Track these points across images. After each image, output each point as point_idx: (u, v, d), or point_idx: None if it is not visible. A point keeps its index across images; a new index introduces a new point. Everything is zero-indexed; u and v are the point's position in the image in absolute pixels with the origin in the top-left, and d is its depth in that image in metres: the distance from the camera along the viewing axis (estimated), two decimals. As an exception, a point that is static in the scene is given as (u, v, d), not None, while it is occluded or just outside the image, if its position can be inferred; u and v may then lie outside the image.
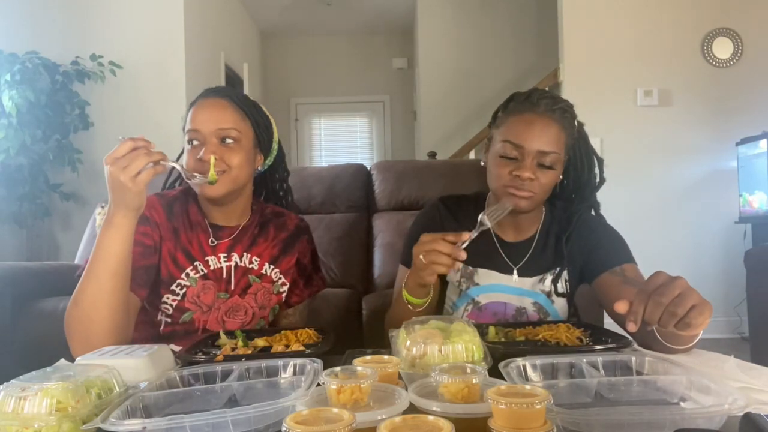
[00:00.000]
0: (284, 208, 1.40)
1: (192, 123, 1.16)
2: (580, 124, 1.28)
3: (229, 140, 1.16)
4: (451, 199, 1.38)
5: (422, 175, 2.72)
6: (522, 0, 5.56)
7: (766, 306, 2.46)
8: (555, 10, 4.03)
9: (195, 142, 1.16)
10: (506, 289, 1.26)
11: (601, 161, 1.32)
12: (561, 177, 1.26)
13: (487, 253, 1.28)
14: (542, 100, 1.19)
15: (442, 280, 1.32)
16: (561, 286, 1.26)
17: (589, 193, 1.31)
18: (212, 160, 1.12)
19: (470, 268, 1.28)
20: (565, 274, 1.27)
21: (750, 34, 3.83)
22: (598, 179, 1.32)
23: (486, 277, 1.27)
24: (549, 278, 1.27)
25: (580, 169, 1.29)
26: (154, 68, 3.95)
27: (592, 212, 1.33)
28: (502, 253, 1.29)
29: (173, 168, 1.09)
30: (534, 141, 1.16)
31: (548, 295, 1.26)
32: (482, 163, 1.29)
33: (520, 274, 1.27)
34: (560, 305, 1.28)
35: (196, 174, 1.11)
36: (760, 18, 3.84)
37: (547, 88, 4.12)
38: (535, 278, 1.27)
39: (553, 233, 1.30)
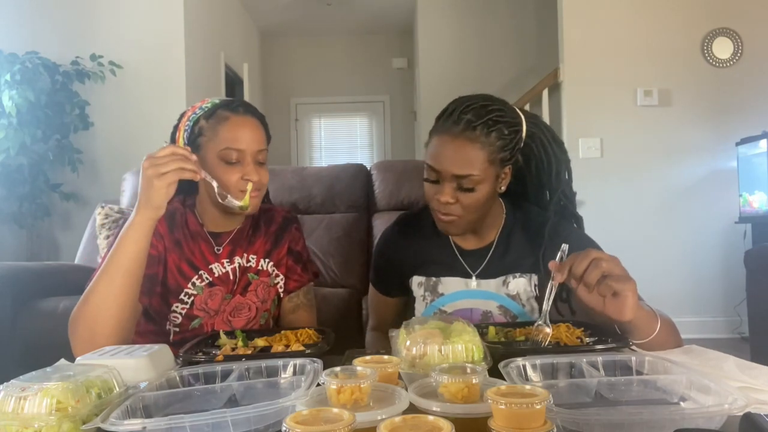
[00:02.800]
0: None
1: (235, 142, 1.16)
2: (540, 126, 1.21)
3: (261, 160, 1.20)
4: (408, 219, 1.38)
5: (422, 175, 2.72)
6: (522, 0, 5.56)
7: (766, 306, 2.46)
8: (555, 10, 4.03)
9: (235, 161, 1.17)
10: (470, 294, 1.25)
11: (567, 160, 1.24)
12: (511, 181, 1.21)
13: (449, 263, 1.28)
14: (465, 116, 1.11)
15: (409, 295, 1.33)
16: (531, 290, 1.24)
17: (555, 192, 1.23)
18: (249, 186, 1.16)
19: (433, 279, 1.28)
20: (535, 279, 1.24)
21: (750, 34, 3.82)
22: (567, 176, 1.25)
23: (450, 285, 1.27)
24: (513, 281, 1.24)
25: (541, 169, 1.23)
26: (154, 68, 3.95)
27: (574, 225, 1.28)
28: (462, 260, 1.27)
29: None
30: (448, 164, 1.11)
31: (514, 298, 1.24)
32: None
33: (480, 277, 1.26)
34: (535, 308, 1.25)
35: (228, 195, 1.14)
36: (760, 18, 3.84)
37: (548, 90, 4.13)
38: (498, 280, 1.25)
39: (517, 236, 1.27)
